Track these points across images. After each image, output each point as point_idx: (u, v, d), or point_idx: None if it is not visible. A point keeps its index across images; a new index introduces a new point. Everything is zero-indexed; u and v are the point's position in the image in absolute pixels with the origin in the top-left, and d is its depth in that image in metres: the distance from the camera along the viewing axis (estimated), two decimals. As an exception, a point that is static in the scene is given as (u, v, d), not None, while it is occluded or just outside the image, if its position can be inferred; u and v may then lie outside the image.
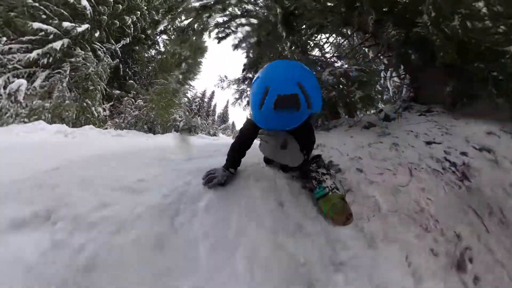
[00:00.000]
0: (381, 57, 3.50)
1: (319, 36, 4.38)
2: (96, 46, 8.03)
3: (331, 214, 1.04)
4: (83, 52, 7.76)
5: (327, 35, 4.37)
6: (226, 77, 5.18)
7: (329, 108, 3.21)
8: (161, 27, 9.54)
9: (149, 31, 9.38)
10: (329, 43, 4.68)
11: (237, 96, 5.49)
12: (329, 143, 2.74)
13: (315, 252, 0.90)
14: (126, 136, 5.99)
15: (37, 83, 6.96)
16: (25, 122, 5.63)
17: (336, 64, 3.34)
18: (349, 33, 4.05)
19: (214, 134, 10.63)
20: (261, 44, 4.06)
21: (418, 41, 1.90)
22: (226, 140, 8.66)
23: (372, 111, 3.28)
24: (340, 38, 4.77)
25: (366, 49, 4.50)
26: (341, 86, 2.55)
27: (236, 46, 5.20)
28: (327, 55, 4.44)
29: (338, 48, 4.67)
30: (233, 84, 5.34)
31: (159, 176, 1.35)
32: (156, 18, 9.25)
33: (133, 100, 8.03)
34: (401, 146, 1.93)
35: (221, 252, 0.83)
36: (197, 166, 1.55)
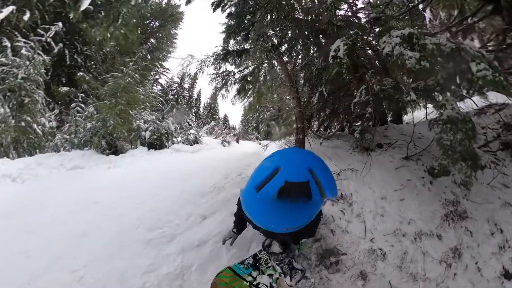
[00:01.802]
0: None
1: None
2: (19, 44, 6.14)
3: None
4: (8, 45, 6.02)
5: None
6: (192, 56, 3.40)
7: (374, 106, 2.35)
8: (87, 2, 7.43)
9: (71, 14, 7.31)
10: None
11: (219, 83, 3.69)
12: (360, 197, 2.10)
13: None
14: (84, 167, 5.11)
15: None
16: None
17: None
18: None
19: (196, 141, 8.78)
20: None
21: None
22: (208, 154, 6.94)
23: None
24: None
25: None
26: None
27: (216, 5, 3.80)
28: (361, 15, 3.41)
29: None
30: (209, 66, 3.51)
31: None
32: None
33: (82, 106, 6.31)
34: (465, 258, 1.56)
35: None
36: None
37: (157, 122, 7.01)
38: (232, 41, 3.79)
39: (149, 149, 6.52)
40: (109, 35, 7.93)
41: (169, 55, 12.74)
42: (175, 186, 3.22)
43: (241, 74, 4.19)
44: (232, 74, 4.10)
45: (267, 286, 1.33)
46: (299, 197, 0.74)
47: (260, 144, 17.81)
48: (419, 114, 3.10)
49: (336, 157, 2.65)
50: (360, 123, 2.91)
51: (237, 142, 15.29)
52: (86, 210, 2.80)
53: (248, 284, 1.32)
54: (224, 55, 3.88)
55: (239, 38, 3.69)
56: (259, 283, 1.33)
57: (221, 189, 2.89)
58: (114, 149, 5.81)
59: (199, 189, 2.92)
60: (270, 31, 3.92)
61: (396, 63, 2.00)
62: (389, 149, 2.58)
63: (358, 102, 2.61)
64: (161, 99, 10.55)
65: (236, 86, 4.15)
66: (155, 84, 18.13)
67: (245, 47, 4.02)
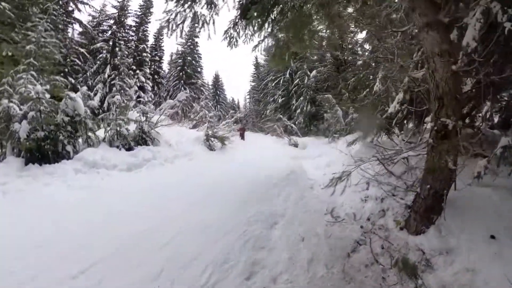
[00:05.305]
0: None
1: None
2: None
3: None
4: None
5: None
6: None
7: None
8: None
9: None
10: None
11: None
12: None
13: None
14: None
15: None
16: None
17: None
18: None
19: (143, 138, 5.54)
20: None
21: None
22: (164, 181, 4.54)
23: None
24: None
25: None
26: None
27: None
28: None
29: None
30: None
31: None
32: None
33: None
34: None
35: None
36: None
37: (51, 99, 3.92)
38: None
39: (27, 163, 3.98)
40: None
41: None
42: None
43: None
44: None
45: None
46: None
47: (295, 145, 10.20)
48: None
49: None
50: None
51: (242, 137, 9.66)
52: None
53: None
54: None
55: None
56: None
57: None
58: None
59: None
60: None
61: None
62: None
63: None
64: (81, 49, 7.15)
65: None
66: (68, 24, 12.53)
67: None
